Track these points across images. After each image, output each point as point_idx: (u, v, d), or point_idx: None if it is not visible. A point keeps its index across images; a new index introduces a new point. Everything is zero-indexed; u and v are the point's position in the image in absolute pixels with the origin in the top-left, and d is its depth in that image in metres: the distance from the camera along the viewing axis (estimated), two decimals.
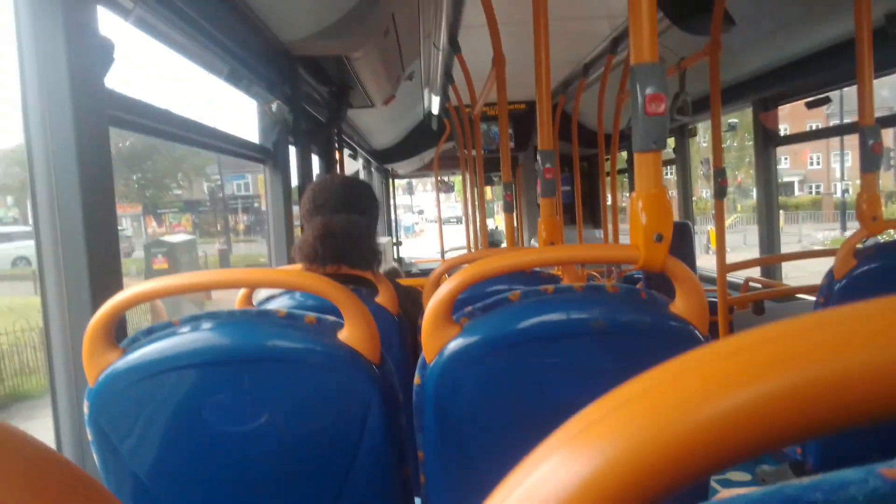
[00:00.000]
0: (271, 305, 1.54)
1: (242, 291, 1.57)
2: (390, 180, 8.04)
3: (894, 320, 0.21)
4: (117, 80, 1.29)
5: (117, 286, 1.24)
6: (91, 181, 1.16)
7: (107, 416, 0.98)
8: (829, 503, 0.22)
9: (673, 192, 5.06)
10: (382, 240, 5.65)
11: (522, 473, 0.24)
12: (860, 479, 0.22)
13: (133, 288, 1.01)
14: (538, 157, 1.70)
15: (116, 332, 1.01)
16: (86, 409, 0.98)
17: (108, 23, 1.30)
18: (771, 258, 3.50)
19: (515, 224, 3.51)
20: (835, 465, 0.22)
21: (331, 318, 1.04)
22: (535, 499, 0.22)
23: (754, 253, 3.83)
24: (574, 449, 0.23)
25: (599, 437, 0.22)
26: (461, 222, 8.60)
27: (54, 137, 1.12)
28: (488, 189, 9.11)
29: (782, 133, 3.87)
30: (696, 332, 0.98)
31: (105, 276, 1.19)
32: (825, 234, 21.29)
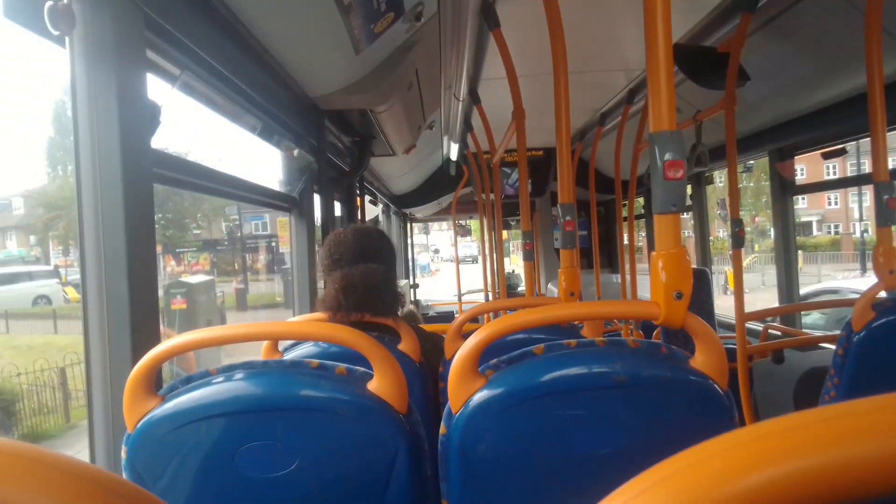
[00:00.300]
0: (296, 352, 1.58)
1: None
2: (408, 224, 8.13)
3: (886, 417, 0.25)
4: (159, 138, 1.37)
5: (156, 335, 1.29)
6: (136, 236, 1.22)
7: (144, 461, 1.02)
8: None
9: (689, 233, 5.08)
10: (400, 282, 5.69)
11: None
12: None
13: (173, 340, 1.06)
14: (559, 210, 1.75)
15: (155, 381, 1.06)
16: (123, 454, 1.02)
17: (156, 87, 1.39)
18: (790, 307, 3.50)
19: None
20: None
21: (360, 368, 1.08)
22: None
23: (772, 293, 3.82)
24: None
25: None
26: (476, 262, 8.63)
27: (104, 194, 1.19)
28: (504, 232, 9.17)
29: (799, 177, 3.90)
30: (717, 386, 1.00)
31: (145, 326, 1.25)
32: (845, 274, 21.03)
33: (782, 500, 0.25)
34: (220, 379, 1.05)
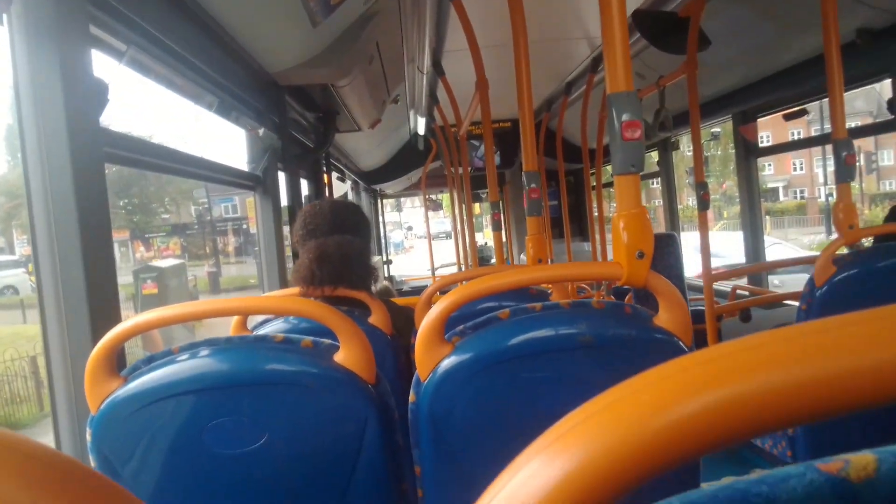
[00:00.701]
0: (266, 329, 1.57)
1: (237, 317, 1.60)
2: (379, 200, 8.09)
3: (826, 339, 0.26)
4: (110, 117, 1.33)
5: (116, 316, 1.27)
6: (88, 217, 1.19)
7: (109, 443, 1.01)
8: (773, 495, 0.26)
9: (659, 202, 5.14)
10: (373, 258, 5.67)
11: (506, 477, 0.28)
12: (800, 473, 0.27)
13: (134, 318, 1.04)
14: (524, 178, 1.75)
15: (117, 361, 1.04)
16: (88, 437, 1.01)
17: (102, 64, 1.35)
18: (756, 266, 3.57)
19: (504, 240, 3.56)
20: None
21: (326, 341, 1.08)
22: (517, 498, 0.27)
23: (740, 259, 3.89)
24: (551, 454, 0.27)
25: (573, 443, 0.27)
26: (450, 237, 8.64)
27: (52, 176, 1.16)
28: (476, 205, 9.18)
29: (763, 142, 3.95)
30: (681, 343, 1.02)
31: (104, 307, 1.22)
32: (811, 237, 21.50)
33: (724, 424, 0.25)
34: (184, 357, 1.04)
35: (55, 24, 1.16)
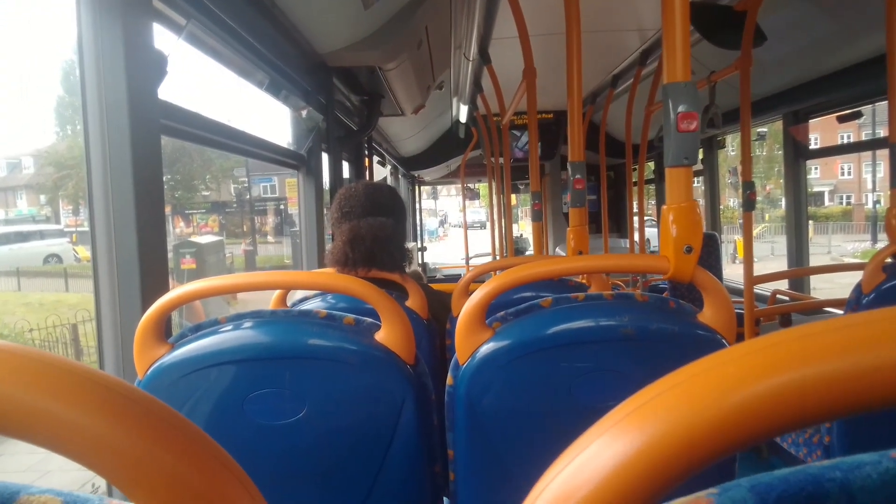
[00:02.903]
0: (305, 307, 1.59)
1: (277, 292, 1.63)
2: (416, 187, 8.11)
3: (876, 331, 0.25)
4: (167, 90, 1.36)
5: (164, 285, 1.30)
6: (144, 188, 1.22)
7: None
8: (847, 480, 0.26)
9: (700, 200, 5.05)
10: (408, 245, 5.70)
11: (572, 454, 0.28)
12: (875, 461, 0.27)
13: (182, 287, 1.06)
14: (569, 169, 1.74)
15: (164, 329, 1.07)
16: None
17: (162, 38, 1.37)
18: (799, 271, 3.49)
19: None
20: None
21: (368, 319, 1.09)
22: (583, 475, 0.27)
23: (782, 264, 3.81)
24: (616, 432, 0.27)
25: (639, 422, 0.27)
26: (484, 227, 8.61)
27: (111, 146, 1.19)
28: (513, 196, 9.14)
29: (813, 145, 3.85)
30: (724, 341, 1.00)
31: (154, 276, 1.26)
32: (855, 245, 20.92)
33: (793, 406, 0.25)
34: (229, 327, 1.06)
35: None
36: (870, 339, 0.25)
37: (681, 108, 1.00)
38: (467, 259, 6.58)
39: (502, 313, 1.07)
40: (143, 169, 1.22)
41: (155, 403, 0.32)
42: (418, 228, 8.24)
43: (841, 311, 1.74)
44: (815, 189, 28.21)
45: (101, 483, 1.65)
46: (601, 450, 0.27)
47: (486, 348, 1.03)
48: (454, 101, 5.00)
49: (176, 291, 1.05)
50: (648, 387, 0.28)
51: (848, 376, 0.24)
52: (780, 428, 0.26)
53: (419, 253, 7.36)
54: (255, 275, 1.16)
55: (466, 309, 1.04)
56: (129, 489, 0.29)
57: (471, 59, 3.31)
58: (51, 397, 0.28)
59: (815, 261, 4.08)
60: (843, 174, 29.39)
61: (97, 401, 0.29)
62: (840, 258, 18.33)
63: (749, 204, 2.47)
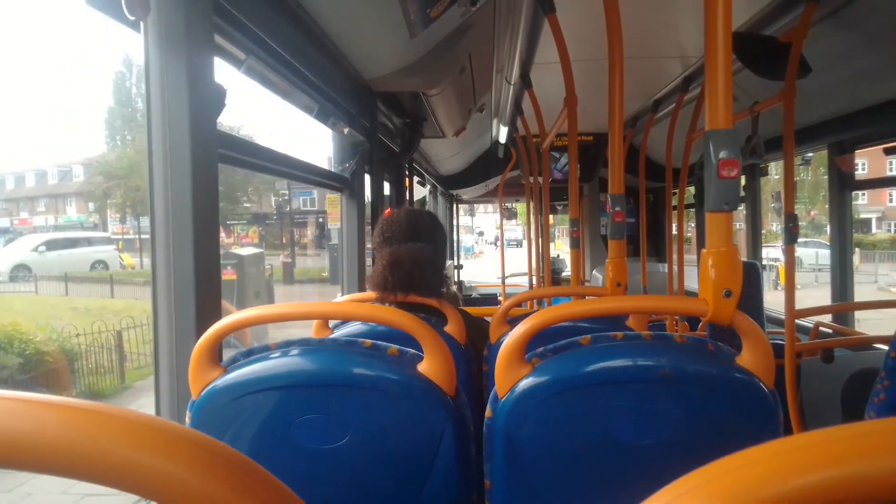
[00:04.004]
0: (345, 330, 1.64)
1: None
2: (455, 205, 8.16)
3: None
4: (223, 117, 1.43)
5: (217, 308, 1.36)
6: (202, 213, 1.28)
7: (206, 427, 1.08)
8: None
9: (741, 224, 4.98)
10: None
11: None
12: None
13: (236, 314, 1.12)
14: (608, 200, 1.75)
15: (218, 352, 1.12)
16: (188, 420, 1.09)
17: (221, 70, 1.44)
18: (843, 306, 3.41)
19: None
20: None
21: (411, 350, 1.12)
22: None
23: (824, 290, 3.72)
24: None
25: None
26: (520, 245, 8.58)
27: (173, 173, 1.25)
28: (550, 216, 9.11)
29: (860, 173, 3.77)
30: (762, 385, 1.01)
31: (208, 300, 1.31)
32: None
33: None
34: (279, 354, 1.11)
35: (185, 32, 1.25)
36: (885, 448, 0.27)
37: (722, 155, 1.02)
38: (503, 278, 6.59)
39: (542, 349, 1.10)
40: (201, 196, 1.28)
41: (230, 451, 0.36)
42: (455, 246, 8.28)
43: (886, 347, 1.70)
44: (863, 216, 27.45)
45: None
46: None
47: (525, 383, 1.06)
48: (494, 122, 5.04)
49: (230, 318, 1.10)
50: (696, 471, 0.31)
51: (868, 479, 0.27)
52: None
53: (455, 271, 7.39)
54: (303, 305, 1.21)
55: (507, 343, 1.07)
56: None
57: (512, 83, 3.35)
58: (144, 450, 0.33)
59: (860, 290, 3.98)
60: (891, 201, 28.55)
61: (185, 451, 0.34)
62: (887, 288, 17.77)
63: (791, 237, 2.44)
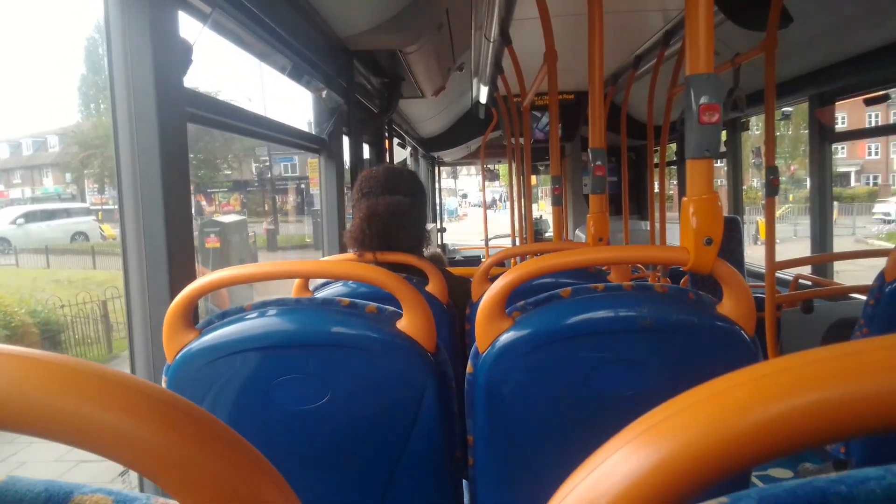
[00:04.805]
0: (326, 292, 1.62)
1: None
2: (436, 168, 8.10)
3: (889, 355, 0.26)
4: (192, 77, 1.38)
5: (191, 271, 1.33)
6: (171, 176, 1.25)
7: (182, 391, 1.06)
8: (851, 495, 0.28)
9: (722, 181, 4.99)
10: (428, 226, 5.71)
11: (592, 464, 0.29)
12: (879, 476, 0.28)
13: (210, 275, 1.09)
14: (589, 155, 1.73)
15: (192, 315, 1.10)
16: (164, 384, 1.07)
17: (187, 26, 1.39)
18: (822, 257, 3.44)
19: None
20: (877, 465, 0.28)
21: (390, 308, 1.11)
22: (604, 485, 0.28)
23: (804, 244, 3.77)
24: (638, 445, 0.28)
25: (660, 436, 0.28)
26: (506, 206, 8.57)
27: (139, 133, 1.21)
28: (533, 177, 9.09)
29: (840, 125, 3.78)
30: (743, 332, 1.01)
31: (181, 262, 1.29)
32: (880, 227, 20.56)
33: (805, 430, 0.26)
34: (255, 315, 1.09)
35: None
36: (873, 366, 0.26)
37: (703, 100, 1.00)
38: (486, 240, 6.59)
39: (522, 303, 1.09)
40: (170, 158, 1.24)
41: (196, 410, 0.34)
42: (438, 208, 8.24)
43: (864, 297, 1.71)
44: (841, 169, 27.68)
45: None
46: (621, 461, 0.28)
47: (506, 337, 1.05)
48: (474, 82, 4.97)
49: (203, 279, 1.08)
50: (669, 402, 0.30)
51: (853, 400, 0.26)
52: (790, 449, 0.27)
53: (439, 234, 7.37)
54: (279, 264, 1.18)
55: (487, 298, 1.06)
56: (175, 489, 0.32)
57: (491, 40, 3.29)
58: (103, 407, 0.31)
59: (839, 242, 4.02)
60: (870, 154, 28.79)
61: (146, 410, 0.32)
62: (865, 240, 18.03)
63: (772, 189, 2.45)
